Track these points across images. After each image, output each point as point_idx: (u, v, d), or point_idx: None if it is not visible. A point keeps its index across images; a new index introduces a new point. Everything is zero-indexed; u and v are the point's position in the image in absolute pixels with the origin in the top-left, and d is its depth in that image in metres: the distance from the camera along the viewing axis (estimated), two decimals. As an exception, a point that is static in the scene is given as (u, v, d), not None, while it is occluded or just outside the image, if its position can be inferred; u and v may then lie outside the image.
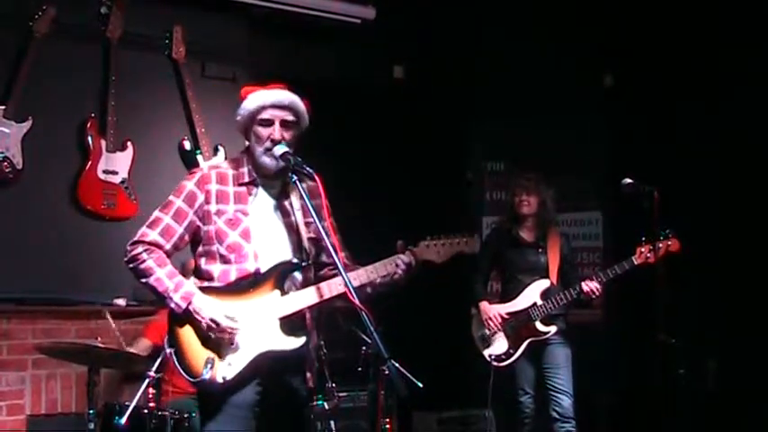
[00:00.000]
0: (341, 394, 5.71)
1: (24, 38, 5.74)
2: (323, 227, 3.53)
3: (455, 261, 3.90)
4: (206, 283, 3.65)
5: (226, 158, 6.09)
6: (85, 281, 5.91)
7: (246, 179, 3.71)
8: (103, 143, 5.98)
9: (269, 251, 3.65)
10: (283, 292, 3.63)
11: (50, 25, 5.78)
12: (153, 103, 6.35)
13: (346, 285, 3.42)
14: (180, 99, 6.41)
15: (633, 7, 7.09)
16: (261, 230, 3.67)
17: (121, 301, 5.91)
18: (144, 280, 3.62)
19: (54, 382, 5.81)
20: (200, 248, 3.69)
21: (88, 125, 5.95)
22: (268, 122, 3.65)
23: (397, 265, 3.64)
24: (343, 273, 3.43)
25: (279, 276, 3.63)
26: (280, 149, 3.61)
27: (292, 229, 3.71)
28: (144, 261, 3.60)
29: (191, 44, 6.43)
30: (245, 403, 3.58)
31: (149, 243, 3.62)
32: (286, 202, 3.74)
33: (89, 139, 5.95)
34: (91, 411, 4.74)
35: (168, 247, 3.64)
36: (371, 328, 3.31)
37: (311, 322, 3.72)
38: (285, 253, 3.68)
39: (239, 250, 3.63)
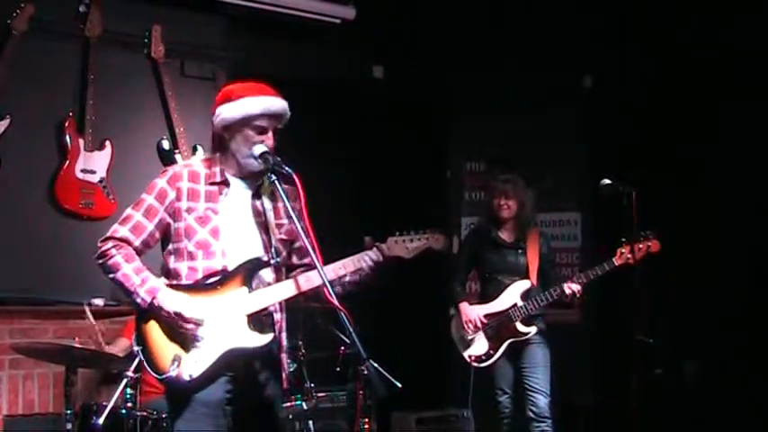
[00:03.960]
0: (319, 394, 5.70)
1: (2, 36, 5.69)
2: (302, 227, 3.51)
3: (434, 261, 3.91)
4: (174, 282, 3.63)
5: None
6: (63, 280, 5.87)
7: (218, 179, 3.69)
8: (82, 142, 5.95)
9: (237, 249, 3.63)
10: (251, 290, 3.61)
11: (28, 23, 5.74)
12: (132, 102, 6.32)
13: (325, 285, 3.40)
14: (159, 98, 6.38)
15: (612, 7, 7.12)
16: (230, 229, 3.65)
17: (99, 301, 5.87)
18: (111, 275, 3.60)
19: (31, 383, 5.78)
20: (170, 246, 3.68)
21: (66, 124, 5.92)
22: (263, 130, 3.64)
23: (365, 262, 3.66)
24: (321, 271, 3.43)
25: (247, 273, 3.61)
26: (259, 149, 3.60)
27: (263, 230, 3.70)
28: (112, 257, 3.58)
29: (170, 43, 6.41)
30: (213, 401, 3.55)
31: (119, 239, 3.61)
32: (258, 203, 3.73)
33: (67, 138, 5.92)
34: (68, 412, 4.73)
35: (138, 243, 3.63)
36: (350, 328, 3.31)
37: (281, 322, 3.71)
38: (254, 252, 3.66)
39: (207, 248, 3.61)
